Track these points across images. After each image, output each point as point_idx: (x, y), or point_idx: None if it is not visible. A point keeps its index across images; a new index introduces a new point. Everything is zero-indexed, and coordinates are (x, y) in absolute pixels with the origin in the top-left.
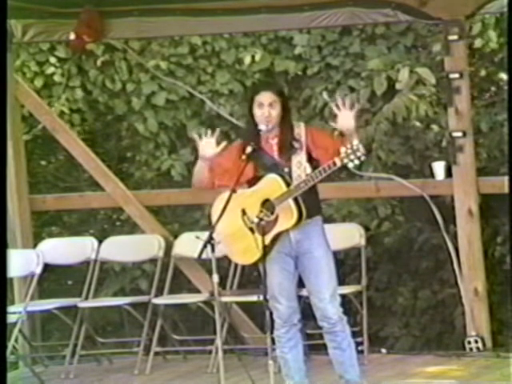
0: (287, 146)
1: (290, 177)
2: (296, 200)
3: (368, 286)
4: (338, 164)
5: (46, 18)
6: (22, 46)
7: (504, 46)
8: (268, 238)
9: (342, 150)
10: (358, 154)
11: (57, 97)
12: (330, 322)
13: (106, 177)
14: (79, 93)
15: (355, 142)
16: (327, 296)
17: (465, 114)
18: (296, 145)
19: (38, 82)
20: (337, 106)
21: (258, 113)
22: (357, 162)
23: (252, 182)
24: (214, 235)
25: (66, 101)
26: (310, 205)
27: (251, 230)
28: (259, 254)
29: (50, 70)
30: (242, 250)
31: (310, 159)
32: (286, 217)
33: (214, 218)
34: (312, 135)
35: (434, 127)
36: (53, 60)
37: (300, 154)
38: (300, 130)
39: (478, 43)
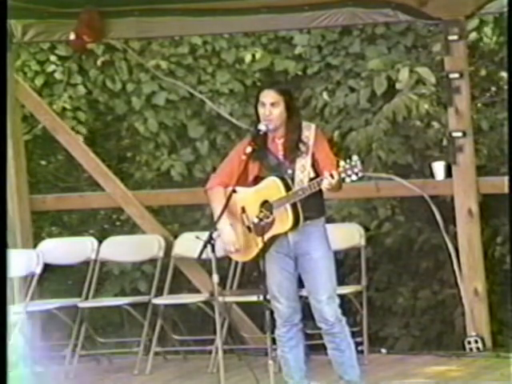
0: (292, 147)
1: (293, 180)
2: (294, 205)
3: (368, 286)
4: (336, 177)
5: (46, 18)
6: (22, 45)
7: (504, 45)
8: (264, 239)
9: (341, 163)
10: (356, 170)
11: (58, 95)
12: (327, 323)
13: (105, 177)
14: (81, 89)
15: (354, 157)
16: (324, 298)
17: (465, 114)
18: (302, 148)
19: (39, 81)
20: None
21: (260, 111)
22: (354, 177)
23: (256, 182)
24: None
25: (68, 98)
26: (312, 207)
27: (248, 228)
28: (254, 253)
29: (51, 68)
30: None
31: (315, 164)
32: (282, 221)
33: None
34: (317, 144)
35: (434, 127)
36: (53, 58)
37: (305, 157)
38: (310, 133)
39: (472, 36)
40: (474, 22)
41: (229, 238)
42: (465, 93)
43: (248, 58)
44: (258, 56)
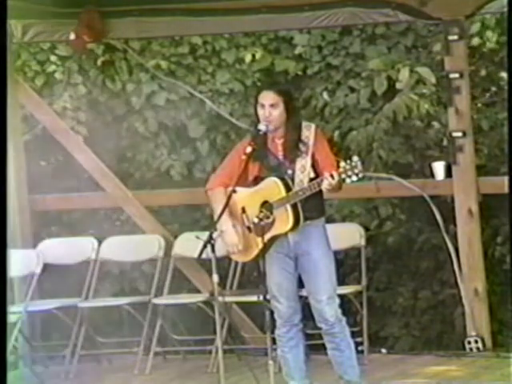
0: (291, 147)
1: (293, 180)
2: (294, 206)
3: (368, 285)
4: (336, 178)
5: (46, 18)
6: (22, 45)
7: (504, 45)
8: (264, 239)
9: (341, 164)
10: (356, 170)
11: (58, 95)
12: (327, 323)
13: (106, 177)
14: (82, 89)
15: (355, 158)
16: (324, 298)
17: (465, 114)
18: (302, 148)
19: (39, 81)
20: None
21: (259, 112)
22: (354, 178)
23: (256, 182)
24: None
25: (68, 98)
26: (312, 207)
27: (248, 228)
28: (254, 253)
29: (51, 68)
30: None
31: (315, 164)
32: (282, 221)
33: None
34: (318, 144)
35: (435, 127)
36: (53, 58)
37: (305, 157)
38: (310, 133)
39: (475, 42)
40: (476, 26)
41: (232, 239)
42: (465, 93)
43: (248, 58)
44: (258, 56)
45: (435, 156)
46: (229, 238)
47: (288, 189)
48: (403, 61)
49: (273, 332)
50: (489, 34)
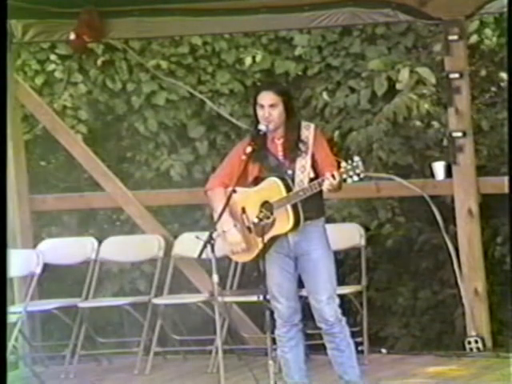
0: (291, 147)
1: (293, 180)
2: (295, 206)
3: (368, 286)
4: (337, 178)
5: (46, 18)
6: (22, 45)
7: (504, 45)
8: (265, 240)
9: (343, 165)
10: (358, 171)
11: (59, 94)
12: (327, 323)
13: (105, 177)
14: (82, 88)
15: (356, 158)
16: (324, 298)
17: (465, 114)
18: (302, 147)
19: (39, 80)
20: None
21: (259, 113)
22: (355, 178)
23: (256, 182)
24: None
25: (69, 97)
26: (312, 207)
27: (248, 228)
28: (254, 253)
29: (51, 67)
30: None
31: (314, 164)
32: (283, 222)
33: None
34: (317, 144)
35: (435, 127)
36: (53, 57)
37: (305, 157)
38: (309, 132)
39: (473, 39)
40: (475, 24)
41: (234, 238)
42: (465, 93)
43: (248, 60)
44: (258, 58)
45: (435, 156)
46: (231, 237)
47: (288, 189)
48: (403, 61)
49: (273, 332)
50: (487, 31)
